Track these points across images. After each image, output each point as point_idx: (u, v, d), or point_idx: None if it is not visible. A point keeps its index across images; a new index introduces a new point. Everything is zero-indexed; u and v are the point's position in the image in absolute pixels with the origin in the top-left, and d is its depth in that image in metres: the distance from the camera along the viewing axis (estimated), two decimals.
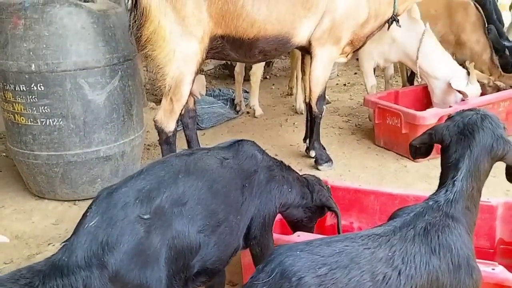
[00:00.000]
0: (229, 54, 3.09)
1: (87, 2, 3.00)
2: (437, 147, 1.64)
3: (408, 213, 1.46)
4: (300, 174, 2.19)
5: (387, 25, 3.52)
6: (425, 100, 4.13)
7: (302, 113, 4.68)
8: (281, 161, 2.08)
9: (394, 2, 3.38)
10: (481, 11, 4.13)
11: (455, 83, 3.68)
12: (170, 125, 2.97)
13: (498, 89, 3.98)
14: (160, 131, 2.99)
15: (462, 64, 4.61)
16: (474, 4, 4.14)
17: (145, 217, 1.47)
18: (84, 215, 1.50)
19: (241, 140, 1.93)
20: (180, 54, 2.86)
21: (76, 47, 2.95)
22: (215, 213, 1.63)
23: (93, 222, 1.45)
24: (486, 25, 4.10)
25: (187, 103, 3.05)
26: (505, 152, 1.52)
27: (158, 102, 5.04)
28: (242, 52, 3.07)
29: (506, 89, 3.94)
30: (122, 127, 3.20)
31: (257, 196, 1.82)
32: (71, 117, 3.02)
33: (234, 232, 1.73)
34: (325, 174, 3.54)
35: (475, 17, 4.11)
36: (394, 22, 3.45)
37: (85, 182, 3.20)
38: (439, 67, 3.80)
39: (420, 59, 3.82)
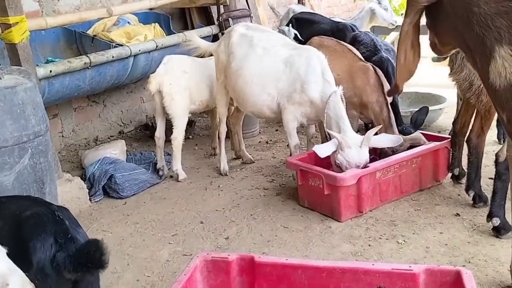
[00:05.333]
0: None
1: None
2: None
3: None
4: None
5: None
6: None
7: (226, 175, 4.65)
8: None
9: None
10: (379, 72, 4.35)
11: (318, 149, 3.73)
12: None
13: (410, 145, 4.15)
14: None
15: (370, 123, 4.82)
16: (373, 67, 4.38)
17: None
18: None
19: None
20: None
21: None
22: None
23: None
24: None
25: None
26: None
27: (75, 169, 4.83)
28: None
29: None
30: None
31: None
32: None
33: None
34: (252, 240, 3.50)
35: (374, 79, 4.33)
36: None
37: None
38: (333, 132, 3.84)
39: (325, 121, 3.91)
